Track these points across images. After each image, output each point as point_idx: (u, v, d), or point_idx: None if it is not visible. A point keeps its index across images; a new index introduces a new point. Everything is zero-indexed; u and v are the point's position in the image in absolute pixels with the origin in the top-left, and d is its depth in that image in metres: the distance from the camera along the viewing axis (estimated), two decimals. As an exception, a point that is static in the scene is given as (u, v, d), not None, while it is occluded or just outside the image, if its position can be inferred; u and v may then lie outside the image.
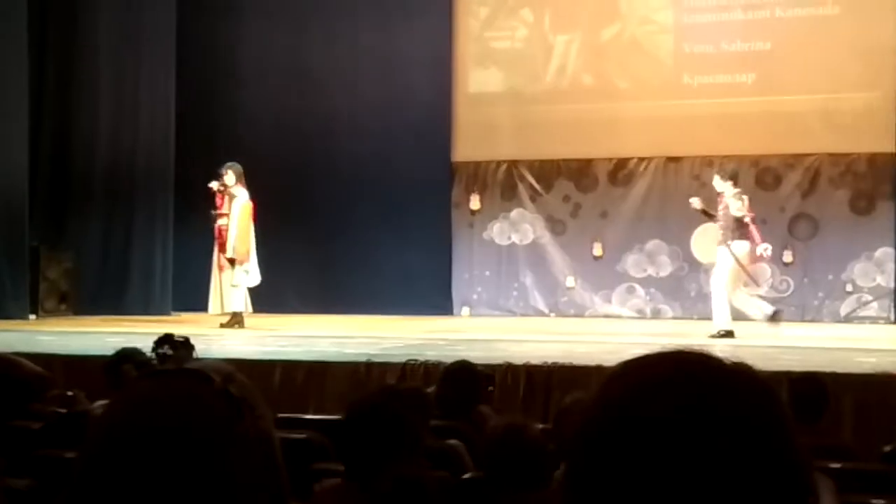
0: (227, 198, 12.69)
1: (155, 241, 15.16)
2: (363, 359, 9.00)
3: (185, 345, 5.75)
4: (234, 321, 12.61)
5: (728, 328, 11.35)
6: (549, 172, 15.13)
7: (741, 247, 11.48)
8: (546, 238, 15.07)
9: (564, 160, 15.00)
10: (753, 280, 12.07)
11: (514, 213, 15.26)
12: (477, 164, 15.37)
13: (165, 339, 5.76)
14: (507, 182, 15.28)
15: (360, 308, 14.35)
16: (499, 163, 15.30)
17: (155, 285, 15.15)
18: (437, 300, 14.98)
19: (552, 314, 14.88)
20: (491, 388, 6.57)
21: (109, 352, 6.54)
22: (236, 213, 12.60)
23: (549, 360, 8.60)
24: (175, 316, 14.58)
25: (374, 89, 15.39)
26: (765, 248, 11.50)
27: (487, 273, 15.28)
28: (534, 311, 14.90)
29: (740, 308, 11.61)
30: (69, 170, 15.22)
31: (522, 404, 8.22)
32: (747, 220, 11.46)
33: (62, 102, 15.18)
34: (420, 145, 15.06)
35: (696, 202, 11.91)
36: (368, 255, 15.00)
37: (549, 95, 15.08)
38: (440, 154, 15.23)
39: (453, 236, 15.32)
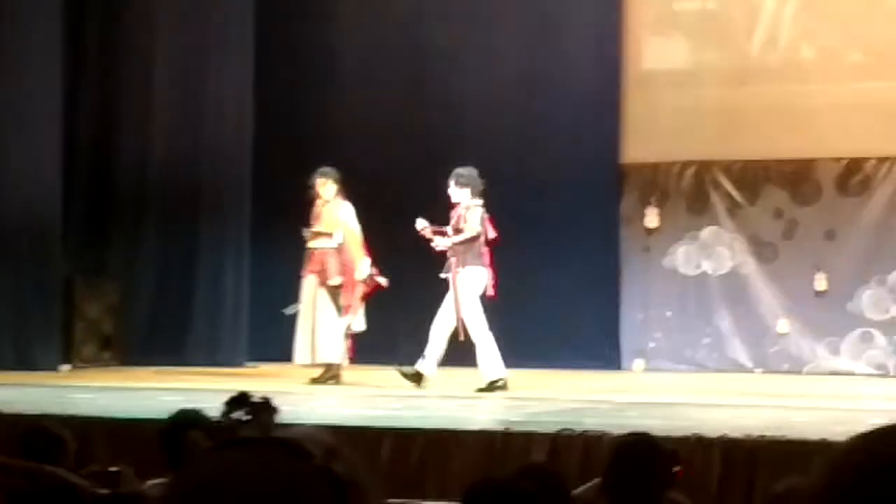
0: (324, 212, 12.82)
1: (225, 271, 15.36)
2: (500, 426, 9.02)
3: (265, 407, 5.80)
4: (329, 375, 12.74)
5: (501, 376, 11.78)
6: (753, 177, 15.00)
7: (475, 274, 11.82)
8: (750, 266, 14.94)
9: (776, 161, 14.86)
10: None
11: (706, 232, 15.16)
12: (654, 167, 15.30)
13: (240, 400, 5.81)
14: (695, 191, 15.19)
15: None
16: (685, 164, 15.22)
17: (224, 327, 15.36)
18: (601, 350, 14.96)
19: (758, 369, 14.74)
20: (677, 468, 6.54)
21: (166, 415, 6.66)
22: (340, 235, 12.73)
23: (755, 432, 8.54)
24: (251, 367, 14.77)
25: (515, 71, 15.44)
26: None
27: (669, 314, 15.18)
28: (733, 364, 14.77)
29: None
30: (114, 181, 15.52)
31: (717, 490, 8.17)
32: (481, 240, 11.88)
33: (105, 99, 15.51)
34: (578, 144, 15.06)
35: (422, 225, 12.13)
36: (511, 290, 14.96)
37: (755, 74, 14.98)
38: (605, 155, 15.20)
39: (622, 264, 15.29)
